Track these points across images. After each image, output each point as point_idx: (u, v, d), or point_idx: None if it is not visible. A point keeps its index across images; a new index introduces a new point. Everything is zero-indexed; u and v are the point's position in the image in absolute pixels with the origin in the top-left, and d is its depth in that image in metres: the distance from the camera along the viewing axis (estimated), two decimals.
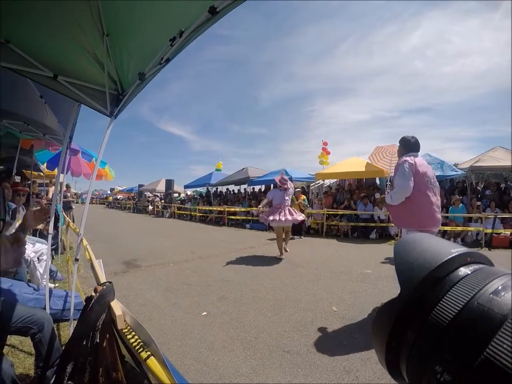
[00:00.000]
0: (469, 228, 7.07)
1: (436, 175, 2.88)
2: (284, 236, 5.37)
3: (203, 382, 1.80)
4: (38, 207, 1.29)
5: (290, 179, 7.12)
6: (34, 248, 3.10)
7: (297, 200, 7.79)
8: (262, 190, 13.15)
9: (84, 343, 1.03)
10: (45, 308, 2.16)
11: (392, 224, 6.15)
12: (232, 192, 15.81)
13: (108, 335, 1.01)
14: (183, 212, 15.67)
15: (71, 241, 5.20)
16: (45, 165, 7.03)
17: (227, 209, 11.91)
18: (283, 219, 4.98)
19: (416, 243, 0.24)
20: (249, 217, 11.00)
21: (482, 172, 10.08)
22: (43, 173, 7.56)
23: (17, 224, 2.15)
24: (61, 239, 4.70)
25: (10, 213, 3.13)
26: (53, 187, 6.21)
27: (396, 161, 4.23)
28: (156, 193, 21.53)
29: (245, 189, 14.05)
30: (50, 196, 6.46)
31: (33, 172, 5.98)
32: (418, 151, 2.73)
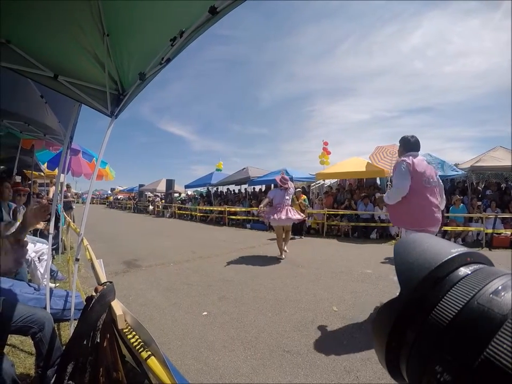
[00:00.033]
0: (470, 228, 7.06)
1: None
2: (283, 236, 5.37)
3: (203, 382, 1.80)
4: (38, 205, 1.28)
5: (291, 179, 7.12)
6: (35, 248, 3.11)
7: (298, 200, 7.79)
8: (263, 190, 13.15)
9: (85, 342, 1.03)
10: (45, 308, 2.16)
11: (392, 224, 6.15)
12: (232, 192, 15.81)
13: (108, 335, 1.01)
14: (184, 212, 15.68)
15: (72, 241, 5.21)
16: (46, 165, 7.04)
17: (228, 209, 11.91)
18: (283, 217, 5.00)
19: (416, 243, 0.24)
20: (250, 217, 11.00)
21: (483, 171, 10.06)
22: (44, 173, 7.57)
23: (17, 224, 2.15)
24: (61, 239, 4.71)
25: (11, 213, 3.13)
26: (54, 187, 6.22)
27: (396, 161, 4.23)
28: (157, 193, 21.53)
29: (245, 189, 14.06)
30: (50, 195, 6.46)
31: (33, 172, 5.98)
32: (418, 150, 2.72)
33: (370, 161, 9.05)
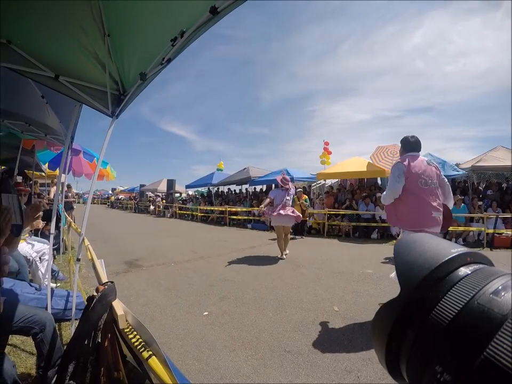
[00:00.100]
0: (471, 228, 7.05)
1: None
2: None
3: (204, 382, 1.80)
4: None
5: (292, 179, 7.12)
6: (36, 248, 3.12)
7: (299, 200, 7.79)
8: (264, 190, 13.16)
9: (86, 342, 1.03)
10: (46, 308, 2.17)
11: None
12: (233, 192, 15.82)
13: (109, 335, 1.01)
14: (185, 212, 15.70)
15: (73, 241, 5.22)
16: (47, 165, 7.06)
17: (228, 209, 11.91)
18: (283, 213, 5.03)
19: (416, 243, 0.24)
20: (251, 217, 11.01)
21: (484, 171, 10.04)
22: (45, 173, 7.59)
23: None
24: (62, 239, 4.72)
25: None
26: (55, 187, 6.23)
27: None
28: (158, 193, 21.56)
29: (246, 189, 14.07)
30: (52, 196, 6.48)
31: (35, 172, 6.00)
32: (418, 150, 2.72)
33: (371, 161, 9.05)
